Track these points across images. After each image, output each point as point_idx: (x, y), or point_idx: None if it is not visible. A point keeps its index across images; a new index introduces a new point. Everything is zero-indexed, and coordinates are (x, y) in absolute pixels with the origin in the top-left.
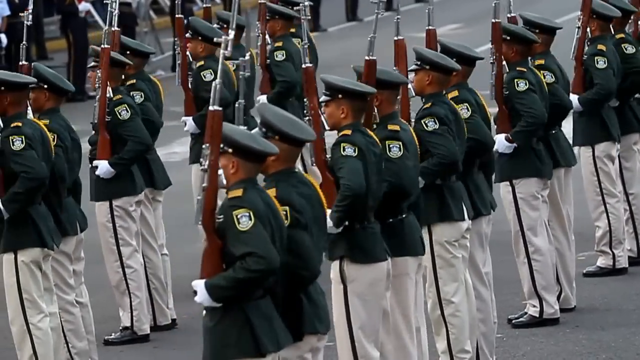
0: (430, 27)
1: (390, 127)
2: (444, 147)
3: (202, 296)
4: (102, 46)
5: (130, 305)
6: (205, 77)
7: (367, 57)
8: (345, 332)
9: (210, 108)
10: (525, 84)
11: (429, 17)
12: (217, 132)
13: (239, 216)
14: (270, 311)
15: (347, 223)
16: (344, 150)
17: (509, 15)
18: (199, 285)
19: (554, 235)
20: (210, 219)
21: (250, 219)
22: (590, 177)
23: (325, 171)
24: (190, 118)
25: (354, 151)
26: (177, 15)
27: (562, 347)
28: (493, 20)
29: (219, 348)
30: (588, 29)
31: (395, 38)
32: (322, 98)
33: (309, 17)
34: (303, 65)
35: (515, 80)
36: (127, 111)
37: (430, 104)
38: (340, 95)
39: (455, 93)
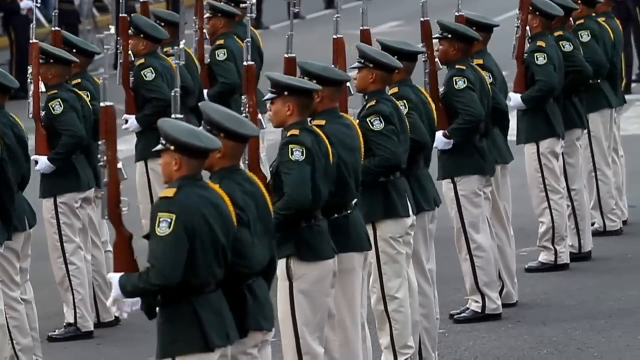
0: (364, 27)
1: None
2: (388, 150)
3: (116, 291)
4: (31, 41)
5: (74, 302)
6: (145, 75)
7: (286, 55)
8: (290, 328)
9: (102, 104)
10: (464, 82)
11: (363, 17)
12: (111, 128)
13: (160, 219)
14: (221, 305)
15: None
16: (292, 153)
17: (456, 14)
18: (114, 279)
19: (494, 231)
20: (114, 212)
21: (169, 227)
22: (535, 174)
23: (258, 171)
24: (133, 117)
25: (302, 154)
26: (120, 15)
27: (503, 342)
28: (422, 19)
29: (167, 343)
30: (527, 27)
31: (334, 36)
32: (268, 95)
33: (254, 15)
34: (244, 63)
35: (454, 78)
36: (60, 105)
37: (374, 101)
38: (286, 92)
39: (395, 89)
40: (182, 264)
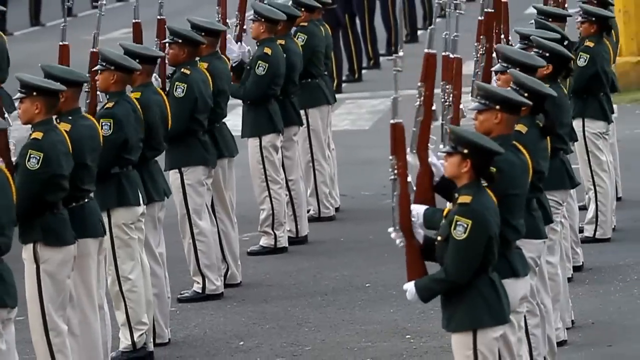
0: (136, 21)
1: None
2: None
3: None
4: None
5: None
6: None
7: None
8: (37, 306)
9: None
10: (182, 91)
11: (135, 12)
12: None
13: None
14: None
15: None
16: (28, 160)
17: (159, 17)
18: None
19: (219, 218)
20: None
21: None
22: (257, 165)
23: (9, 161)
24: None
25: (37, 162)
26: None
27: (229, 319)
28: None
29: None
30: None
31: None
32: (18, 95)
33: None
34: None
35: (177, 83)
36: None
37: (112, 103)
38: (34, 93)
39: (137, 95)
40: None
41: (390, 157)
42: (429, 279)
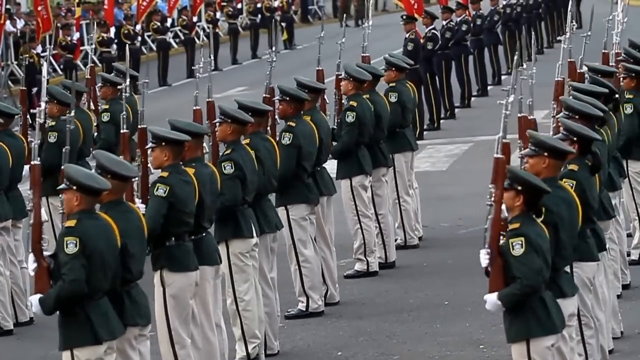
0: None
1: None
2: (230, 193)
3: (36, 308)
4: None
5: None
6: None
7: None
8: (164, 324)
9: (32, 163)
10: (289, 140)
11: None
12: (37, 182)
13: (68, 242)
14: (107, 309)
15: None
16: (156, 189)
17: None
18: (34, 299)
19: (320, 247)
20: (37, 247)
21: (76, 246)
22: (349, 202)
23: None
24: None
25: (164, 192)
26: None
27: (329, 333)
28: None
29: (66, 339)
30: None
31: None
32: (149, 145)
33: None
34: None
35: (283, 133)
36: None
37: (230, 150)
38: (163, 143)
39: (247, 141)
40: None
41: (490, 186)
42: (511, 288)
